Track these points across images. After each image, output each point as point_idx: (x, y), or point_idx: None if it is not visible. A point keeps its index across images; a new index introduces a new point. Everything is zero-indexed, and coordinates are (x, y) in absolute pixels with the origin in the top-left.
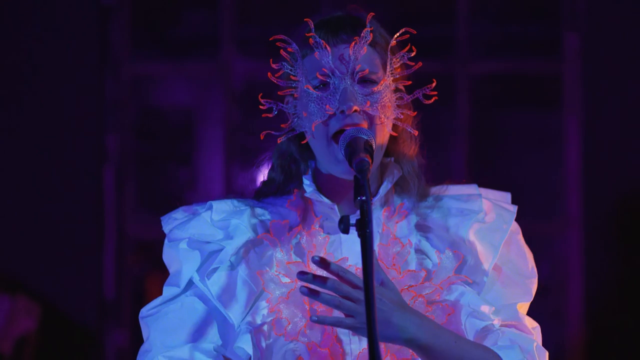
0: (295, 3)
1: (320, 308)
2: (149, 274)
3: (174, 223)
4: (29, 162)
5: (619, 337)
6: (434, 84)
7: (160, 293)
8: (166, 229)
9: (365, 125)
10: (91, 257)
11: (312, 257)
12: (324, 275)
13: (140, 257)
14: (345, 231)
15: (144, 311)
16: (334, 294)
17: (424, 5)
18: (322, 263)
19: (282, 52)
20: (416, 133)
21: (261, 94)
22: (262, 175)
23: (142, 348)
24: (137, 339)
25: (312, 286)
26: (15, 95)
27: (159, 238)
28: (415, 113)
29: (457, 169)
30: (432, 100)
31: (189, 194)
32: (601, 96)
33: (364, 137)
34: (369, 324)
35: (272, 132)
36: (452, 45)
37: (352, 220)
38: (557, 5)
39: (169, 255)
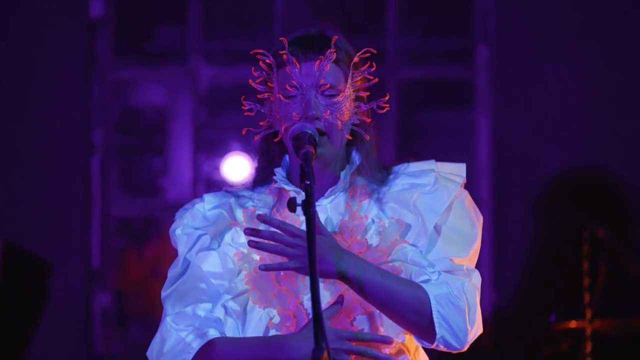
0: (251, 21)
1: (282, 277)
2: (128, 246)
3: (178, 215)
4: (28, 153)
5: (522, 300)
6: (387, 97)
7: (137, 262)
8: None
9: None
10: (80, 232)
11: (258, 215)
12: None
13: (121, 232)
14: (293, 210)
15: (163, 293)
16: (274, 243)
17: (358, 21)
18: (264, 219)
19: (261, 63)
20: (368, 138)
21: (243, 96)
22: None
23: (162, 320)
24: (118, 301)
25: (255, 238)
26: (15, 98)
27: (137, 216)
28: (370, 120)
29: (387, 161)
30: (385, 110)
31: (162, 180)
32: (507, 98)
33: (308, 131)
34: (311, 279)
35: (252, 130)
36: (383, 55)
37: (299, 201)
38: (471, 22)
39: (172, 240)
